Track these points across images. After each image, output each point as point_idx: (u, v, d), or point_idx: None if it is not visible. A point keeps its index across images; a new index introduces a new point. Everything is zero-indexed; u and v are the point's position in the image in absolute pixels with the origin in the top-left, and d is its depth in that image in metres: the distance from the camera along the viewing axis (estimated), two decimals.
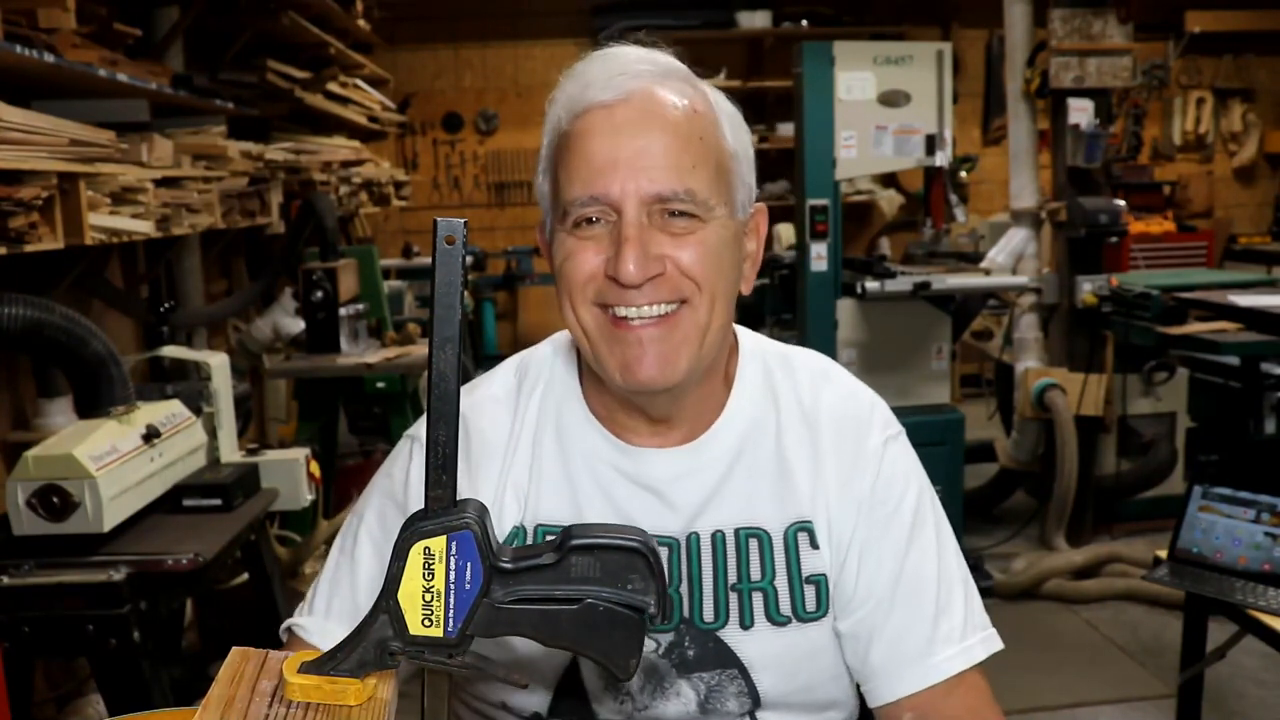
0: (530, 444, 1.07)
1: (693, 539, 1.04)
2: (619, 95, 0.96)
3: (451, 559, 0.72)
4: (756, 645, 1.03)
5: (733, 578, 1.03)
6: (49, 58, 2.05)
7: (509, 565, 0.74)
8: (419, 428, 1.11)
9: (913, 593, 1.05)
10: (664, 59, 1.01)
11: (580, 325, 0.98)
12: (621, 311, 0.96)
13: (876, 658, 1.04)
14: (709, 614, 1.03)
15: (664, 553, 1.03)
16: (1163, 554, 2.32)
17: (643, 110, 0.96)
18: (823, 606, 1.04)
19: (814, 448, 1.06)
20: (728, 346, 1.08)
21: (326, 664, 0.75)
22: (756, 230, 1.07)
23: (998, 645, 1.07)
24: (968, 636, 1.05)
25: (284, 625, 1.10)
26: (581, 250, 0.96)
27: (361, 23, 4.80)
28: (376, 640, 0.74)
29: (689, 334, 0.97)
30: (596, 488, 1.04)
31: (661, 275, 0.95)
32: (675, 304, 0.96)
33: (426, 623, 0.73)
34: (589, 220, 0.96)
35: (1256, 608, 2.08)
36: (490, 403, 1.10)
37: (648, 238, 0.94)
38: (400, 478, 1.09)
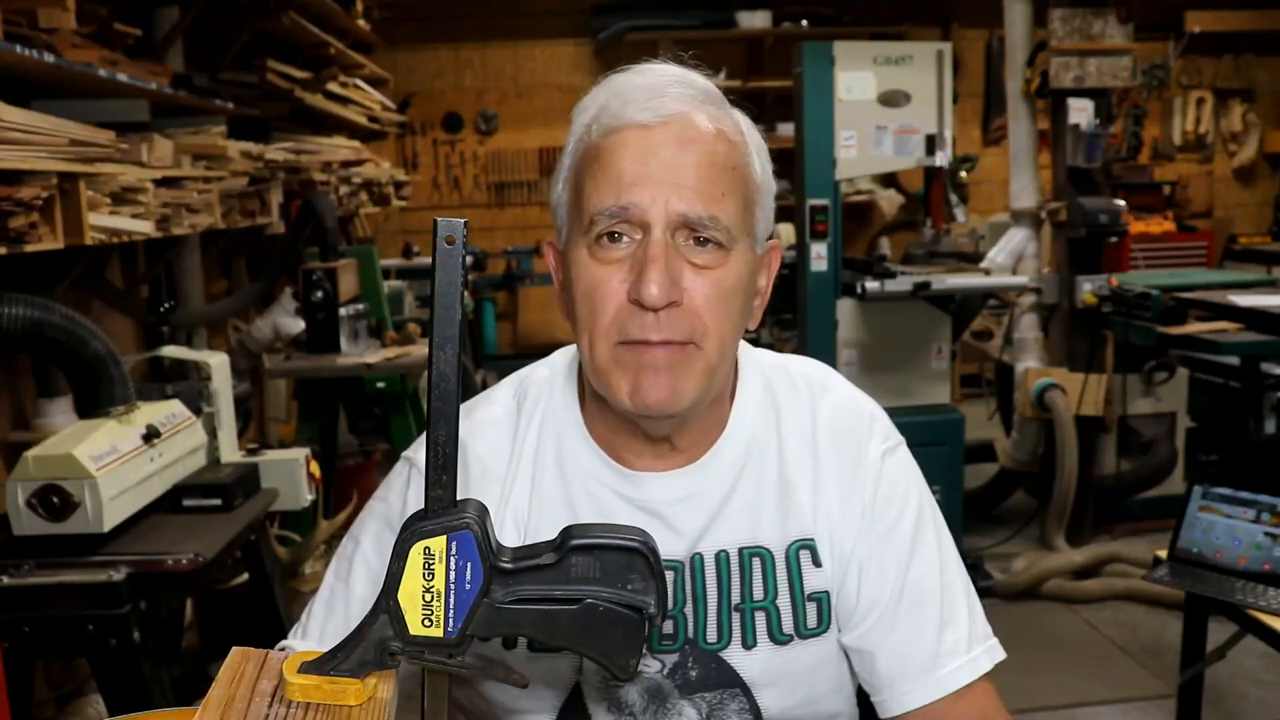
0: (530, 469, 1.06)
1: (696, 560, 1.03)
2: (658, 117, 0.95)
3: (451, 559, 0.72)
4: (758, 664, 1.03)
5: (736, 598, 1.03)
6: (49, 58, 2.05)
7: (509, 565, 0.74)
8: (416, 450, 1.10)
9: (916, 606, 1.05)
10: (702, 82, 1.00)
11: (593, 355, 0.96)
12: (637, 336, 0.94)
13: (883, 671, 1.05)
14: (712, 635, 1.03)
15: (668, 576, 1.01)
16: (1163, 554, 2.32)
17: (680, 135, 0.94)
18: (824, 622, 1.04)
19: (814, 461, 1.06)
20: (732, 374, 1.07)
21: (326, 664, 0.75)
22: (768, 267, 1.05)
23: (1001, 655, 1.07)
24: (973, 648, 1.05)
25: (278, 645, 1.08)
26: (606, 279, 0.94)
27: (361, 23, 4.81)
28: (376, 640, 0.74)
29: (697, 369, 0.96)
30: (598, 513, 1.03)
31: (679, 306, 0.93)
32: (685, 344, 0.94)
33: (426, 623, 0.73)
34: (612, 236, 0.94)
35: (1256, 608, 2.08)
36: (490, 425, 1.08)
37: (672, 260, 0.93)
38: (398, 505, 1.07)
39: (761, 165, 1.01)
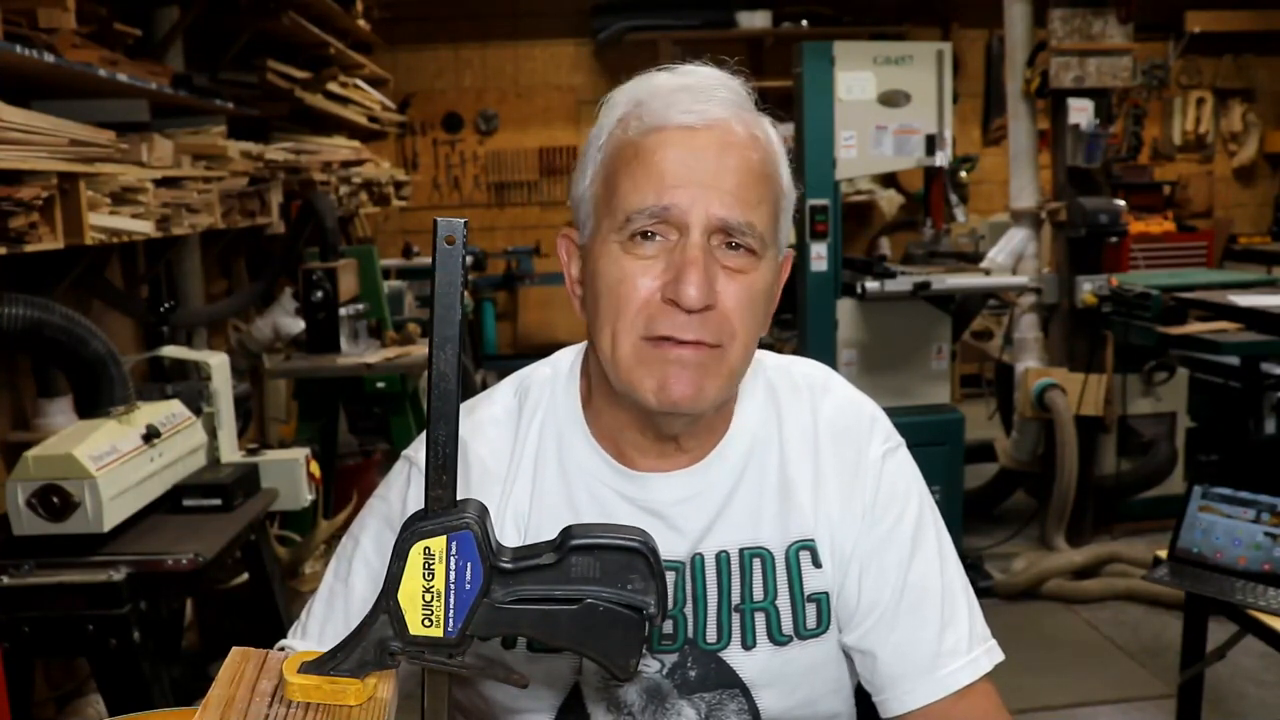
0: (531, 469, 1.06)
1: (697, 560, 1.03)
2: (702, 121, 0.95)
3: (451, 559, 0.72)
4: (757, 665, 1.03)
5: (736, 598, 1.03)
6: (49, 58, 2.05)
7: (509, 565, 0.74)
8: (416, 449, 1.10)
9: (916, 606, 1.05)
10: (739, 86, 1.00)
11: (615, 349, 0.96)
12: (668, 333, 0.93)
13: (884, 671, 1.05)
14: (712, 635, 1.03)
15: (670, 577, 1.02)
16: (1163, 554, 2.32)
17: (721, 140, 0.95)
18: (824, 623, 1.05)
19: (815, 462, 1.06)
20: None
21: (326, 664, 0.75)
22: (781, 274, 1.05)
23: (1000, 656, 1.07)
24: (974, 648, 1.05)
25: (278, 645, 1.08)
26: (636, 274, 0.94)
27: (361, 23, 4.80)
28: (376, 640, 0.74)
29: (722, 371, 0.96)
30: (600, 513, 1.03)
31: (713, 309, 0.94)
32: (714, 347, 0.95)
33: (426, 623, 0.73)
34: (646, 235, 0.94)
35: (1256, 608, 2.08)
36: (491, 425, 1.08)
37: (709, 263, 0.93)
38: (398, 505, 1.07)
39: (786, 172, 1.02)
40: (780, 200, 1.00)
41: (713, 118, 0.95)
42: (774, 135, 1.01)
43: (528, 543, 0.99)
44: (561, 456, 1.06)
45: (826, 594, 1.04)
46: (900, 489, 1.07)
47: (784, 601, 1.03)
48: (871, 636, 1.05)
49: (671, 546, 1.02)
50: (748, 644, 1.03)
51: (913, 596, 1.05)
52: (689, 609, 1.03)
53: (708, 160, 0.94)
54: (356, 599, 1.05)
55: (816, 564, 1.04)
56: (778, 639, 1.03)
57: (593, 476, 1.04)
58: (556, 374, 1.10)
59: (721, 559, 1.03)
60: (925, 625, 1.05)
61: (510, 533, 1.04)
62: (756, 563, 1.03)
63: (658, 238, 0.95)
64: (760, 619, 1.03)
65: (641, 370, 0.95)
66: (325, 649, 1.01)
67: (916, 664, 1.04)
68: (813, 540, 1.04)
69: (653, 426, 1.01)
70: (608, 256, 0.96)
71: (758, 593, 1.03)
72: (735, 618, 1.03)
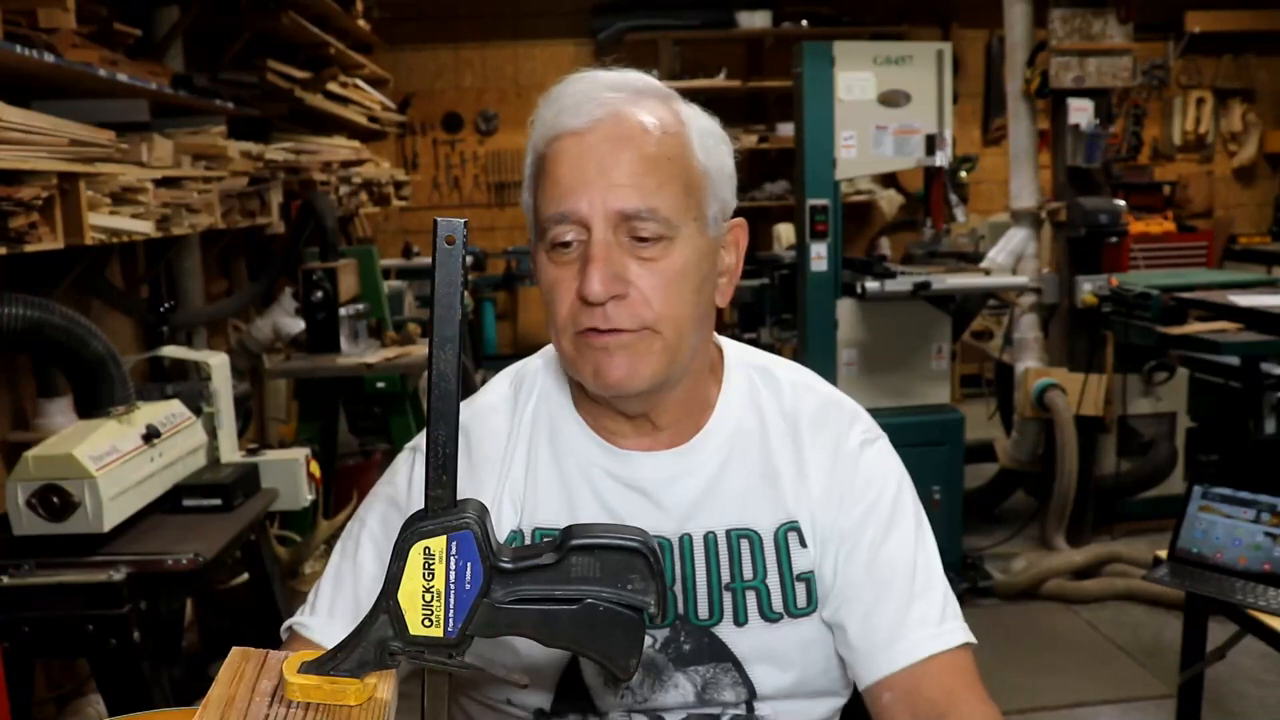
0: (526, 450, 1.11)
1: (685, 540, 1.07)
2: (588, 121, 0.99)
3: (451, 559, 0.72)
4: (750, 641, 1.06)
5: (726, 577, 1.06)
6: (49, 58, 2.05)
7: (509, 565, 0.74)
8: (421, 440, 1.13)
9: (888, 578, 1.07)
10: (637, 80, 1.04)
11: (560, 347, 1.04)
12: (587, 325, 0.99)
13: (854, 641, 1.07)
14: (703, 612, 1.06)
15: None
16: (1163, 554, 2.32)
17: (610, 135, 0.99)
18: (813, 603, 1.08)
19: (797, 451, 1.10)
20: (708, 356, 1.12)
21: (326, 664, 0.75)
22: (735, 244, 1.09)
23: (972, 639, 1.08)
24: (945, 622, 1.07)
25: (285, 624, 1.11)
26: (561, 281, 1.00)
27: (361, 23, 4.80)
28: (376, 640, 0.74)
29: (655, 351, 1.00)
30: (590, 491, 1.08)
31: (625, 298, 0.98)
32: (638, 330, 0.99)
33: (426, 623, 0.73)
34: (564, 244, 0.99)
35: (1256, 608, 2.08)
36: (489, 411, 1.14)
37: (614, 257, 0.98)
38: (403, 485, 1.12)
39: (705, 151, 1.03)
40: (695, 178, 1.02)
41: (598, 116, 0.99)
42: (685, 116, 1.04)
43: (525, 520, 1.06)
44: (553, 438, 1.11)
45: (813, 573, 1.08)
46: (878, 473, 1.11)
47: (774, 580, 1.06)
48: (843, 610, 1.07)
49: (657, 523, 1.06)
50: (740, 620, 1.06)
51: (884, 571, 1.07)
52: (678, 587, 1.06)
53: (598, 157, 0.98)
54: (366, 575, 1.08)
55: (804, 544, 1.07)
56: (769, 616, 1.06)
57: (582, 455, 1.09)
58: (547, 363, 1.16)
59: (709, 539, 1.07)
60: (893, 598, 1.06)
61: (508, 510, 1.08)
62: (744, 543, 1.07)
63: (574, 243, 0.99)
64: (751, 596, 1.06)
65: (580, 360, 1.02)
66: (335, 623, 1.04)
67: (884, 633, 1.05)
68: (798, 522, 1.08)
69: (619, 409, 1.07)
70: (541, 264, 1.03)
71: (747, 572, 1.06)
72: (727, 596, 1.06)
